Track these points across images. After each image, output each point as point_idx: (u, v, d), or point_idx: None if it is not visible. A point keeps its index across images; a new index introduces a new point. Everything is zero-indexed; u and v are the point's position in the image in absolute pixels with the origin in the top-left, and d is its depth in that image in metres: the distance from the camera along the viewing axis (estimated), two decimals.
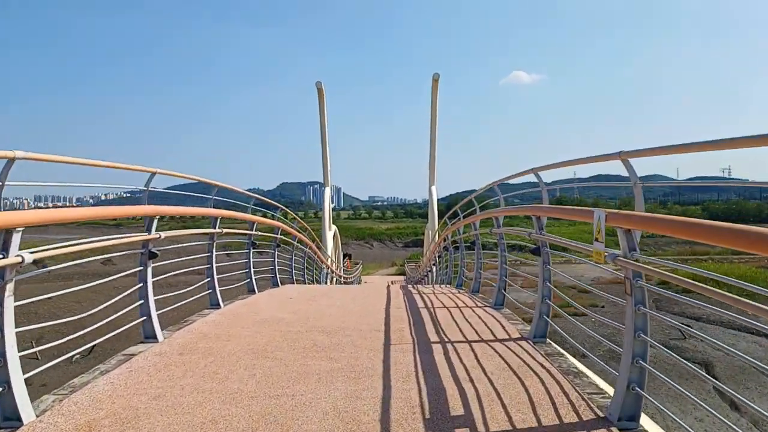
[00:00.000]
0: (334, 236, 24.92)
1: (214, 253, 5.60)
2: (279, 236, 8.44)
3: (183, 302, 5.14)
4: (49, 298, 3.37)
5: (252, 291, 6.99)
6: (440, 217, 25.45)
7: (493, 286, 6.85)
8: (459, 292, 7.23)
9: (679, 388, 2.60)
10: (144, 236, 4.04)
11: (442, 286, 8.83)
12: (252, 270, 7.07)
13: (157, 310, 4.40)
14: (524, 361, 3.54)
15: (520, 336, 4.25)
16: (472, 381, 3.13)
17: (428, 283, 14.44)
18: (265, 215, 8.79)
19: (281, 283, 8.43)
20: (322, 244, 22.17)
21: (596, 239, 2.88)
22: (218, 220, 5.56)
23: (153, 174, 4.27)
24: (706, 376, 2.97)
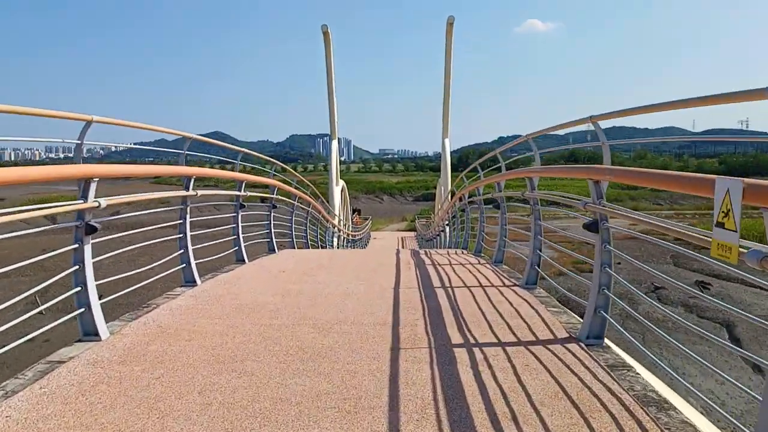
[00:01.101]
0: (341, 191, 23.82)
1: (188, 219, 4.68)
2: (275, 196, 7.45)
3: (149, 280, 4.25)
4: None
5: (241, 260, 6.07)
6: (453, 170, 24.23)
7: (513, 253, 5.92)
8: (479, 262, 6.27)
9: (700, 359, 1.63)
10: (78, 204, 3.08)
11: (458, 252, 7.85)
12: (241, 236, 6.13)
13: (119, 290, 3.57)
14: (582, 381, 2.58)
15: (567, 335, 3.29)
16: (515, 419, 2.19)
17: (441, 246, 13.52)
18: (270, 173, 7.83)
19: (279, 248, 7.53)
20: (329, 199, 21.18)
21: (720, 224, 1.85)
22: (192, 181, 4.59)
23: (89, 123, 3.25)
24: (723, 342, 2.50)
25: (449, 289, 4.60)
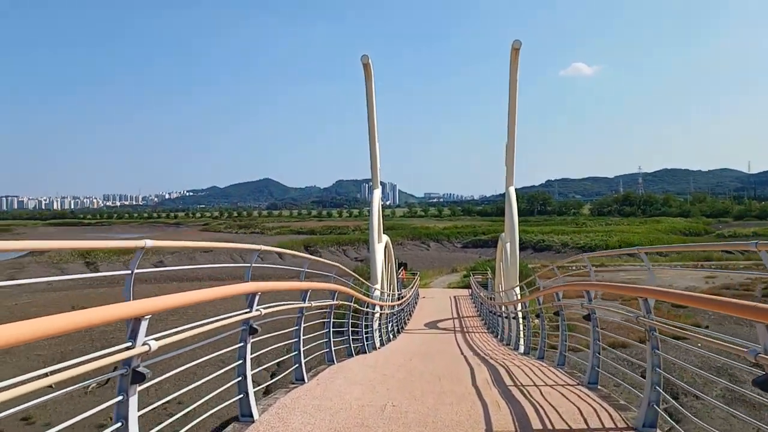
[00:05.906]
0: (385, 248, 20.29)
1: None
2: (254, 313, 4.26)
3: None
4: None
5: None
6: (498, 216, 21.83)
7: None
8: None
9: None
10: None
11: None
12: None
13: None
14: None
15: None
16: None
17: (510, 339, 12.78)
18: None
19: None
20: (371, 255, 18.62)
21: None
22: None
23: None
24: None
25: None
